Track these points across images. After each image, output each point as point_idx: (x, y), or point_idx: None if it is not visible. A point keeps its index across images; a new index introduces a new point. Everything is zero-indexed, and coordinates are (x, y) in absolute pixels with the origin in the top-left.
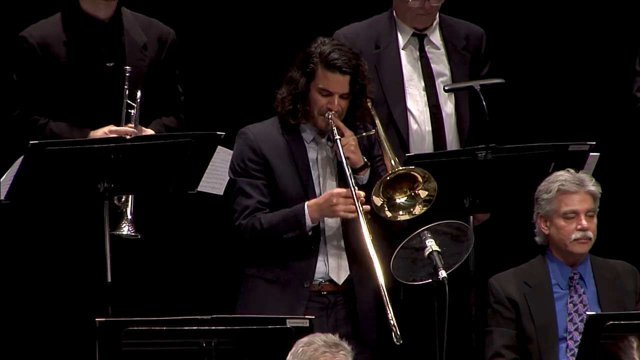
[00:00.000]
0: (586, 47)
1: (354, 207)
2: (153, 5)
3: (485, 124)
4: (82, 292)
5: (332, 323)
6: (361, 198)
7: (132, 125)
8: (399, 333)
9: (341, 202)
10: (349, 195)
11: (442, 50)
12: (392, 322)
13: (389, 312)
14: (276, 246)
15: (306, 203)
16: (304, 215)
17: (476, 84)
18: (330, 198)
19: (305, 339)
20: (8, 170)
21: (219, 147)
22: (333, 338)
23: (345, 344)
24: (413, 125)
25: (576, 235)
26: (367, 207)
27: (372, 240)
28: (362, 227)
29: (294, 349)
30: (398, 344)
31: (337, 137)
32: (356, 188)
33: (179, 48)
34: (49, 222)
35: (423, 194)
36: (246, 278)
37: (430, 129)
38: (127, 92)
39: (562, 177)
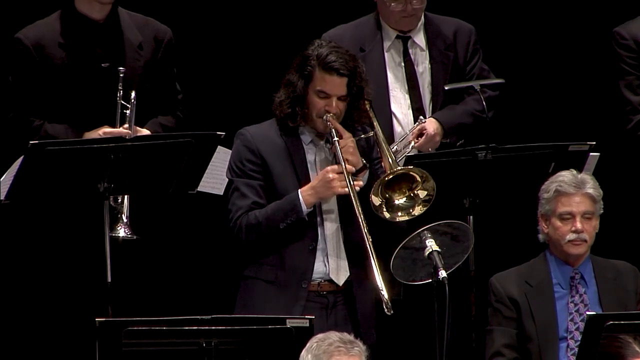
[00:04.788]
0: (586, 47)
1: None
2: (152, 5)
3: (485, 124)
4: (82, 292)
5: (332, 323)
6: (352, 175)
7: (127, 126)
8: (389, 304)
9: (337, 178)
10: (341, 171)
11: (427, 51)
12: (382, 292)
13: (379, 281)
14: (273, 240)
15: (299, 189)
16: (299, 200)
17: (476, 84)
18: (325, 175)
19: (320, 335)
20: (8, 170)
21: (219, 147)
22: (348, 336)
23: (360, 342)
24: (397, 128)
25: (570, 236)
26: (360, 182)
27: (364, 220)
28: (353, 203)
29: (308, 344)
30: (389, 314)
31: (336, 138)
32: (347, 165)
33: (176, 47)
34: (49, 222)
35: (422, 194)
36: (244, 279)
37: None
38: (121, 93)
39: (562, 177)
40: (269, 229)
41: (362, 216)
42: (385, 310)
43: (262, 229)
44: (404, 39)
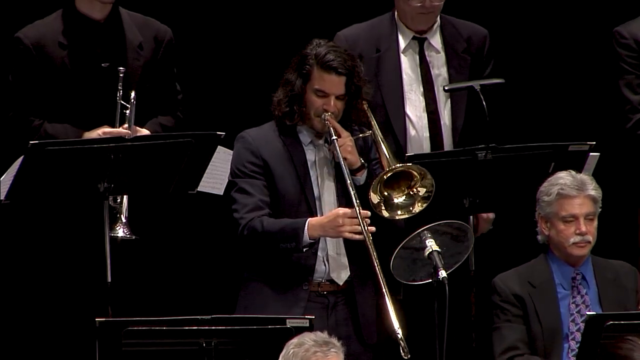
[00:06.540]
0: (587, 47)
1: (360, 227)
2: (152, 5)
3: (485, 124)
4: (82, 293)
5: (333, 323)
6: (366, 219)
7: (127, 126)
8: (407, 348)
9: (347, 223)
10: (354, 215)
11: (442, 54)
12: (399, 335)
13: (396, 327)
14: (272, 252)
15: (309, 219)
16: (303, 230)
17: (476, 84)
18: (336, 218)
19: (294, 340)
20: (8, 170)
21: (219, 147)
22: (322, 336)
23: (334, 340)
24: (411, 131)
25: (575, 239)
26: (373, 228)
27: (376, 259)
28: (368, 248)
29: (284, 351)
30: (406, 358)
31: (334, 137)
32: (361, 207)
33: (176, 47)
34: (49, 222)
35: (421, 191)
36: (245, 281)
37: (428, 135)
38: (120, 93)
39: (563, 180)
40: (268, 243)
41: (374, 253)
42: (403, 354)
43: (262, 240)
44: (420, 40)
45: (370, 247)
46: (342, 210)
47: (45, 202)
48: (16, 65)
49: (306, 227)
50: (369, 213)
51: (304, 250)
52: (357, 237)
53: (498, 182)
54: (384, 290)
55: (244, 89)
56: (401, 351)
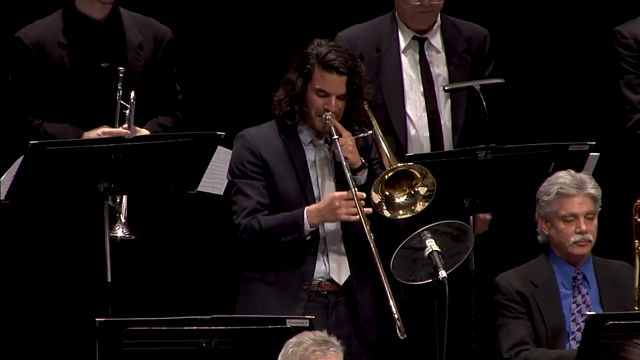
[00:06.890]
0: (587, 47)
1: (356, 209)
2: (152, 5)
3: (485, 124)
4: (82, 293)
5: (333, 323)
6: (362, 201)
7: (126, 126)
8: (403, 327)
9: (343, 205)
10: (350, 197)
11: (443, 53)
12: (395, 316)
13: (392, 306)
14: (274, 249)
15: (306, 208)
16: (303, 219)
17: (476, 84)
18: (332, 201)
19: (293, 340)
20: (8, 170)
21: (219, 147)
22: (321, 335)
23: (334, 339)
24: (411, 130)
25: (575, 238)
26: (369, 209)
27: (372, 240)
28: (364, 229)
29: (283, 350)
30: (402, 338)
31: (335, 137)
32: (357, 190)
33: (176, 47)
34: (49, 222)
35: (422, 190)
36: (245, 281)
37: (428, 134)
38: (120, 93)
39: (562, 179)
40: (270, 240)
41: (372, 242)
42: (399, 334)
43: (263, 238)
44: (421, 40)
45: (366, 228)
46: (338, 193)
47: (45, 202)
48: (16, 65)
49: (305, 216)
50: (364, 195)
51: (307, 238)
52: (354, 218)
53: (498, 182)
54: (381, 274)
55: (244, 89)
56: (397, 331)
